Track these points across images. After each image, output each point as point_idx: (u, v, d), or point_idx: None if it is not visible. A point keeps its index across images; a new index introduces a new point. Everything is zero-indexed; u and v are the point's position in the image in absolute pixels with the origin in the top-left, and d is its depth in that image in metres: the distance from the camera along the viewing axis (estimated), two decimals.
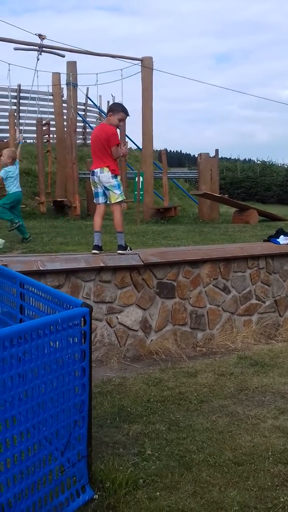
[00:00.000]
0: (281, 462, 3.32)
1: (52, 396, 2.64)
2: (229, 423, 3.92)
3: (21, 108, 17.62)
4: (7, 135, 13.71)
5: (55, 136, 14.25)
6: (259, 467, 3.26)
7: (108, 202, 6.07)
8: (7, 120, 13.79)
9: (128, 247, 6.03)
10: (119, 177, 6.06)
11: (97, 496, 2.87)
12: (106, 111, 6.31)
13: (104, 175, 5.89)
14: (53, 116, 14.47)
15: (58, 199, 13.18)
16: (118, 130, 6.18)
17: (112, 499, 2.86)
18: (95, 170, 5.95)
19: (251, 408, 4.21)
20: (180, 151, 55.06)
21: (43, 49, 11.10)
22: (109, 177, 5.89)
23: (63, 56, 11.75)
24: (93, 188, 6.13)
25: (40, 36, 10.86)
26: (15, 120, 14.99)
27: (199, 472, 3.19)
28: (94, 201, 6.18)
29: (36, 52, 11.07)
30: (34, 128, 14.13)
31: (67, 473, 2.76)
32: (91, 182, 6.14)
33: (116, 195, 5.96)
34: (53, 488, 2.65)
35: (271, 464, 3.30)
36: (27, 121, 14.69)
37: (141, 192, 11.85)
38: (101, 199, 6.04)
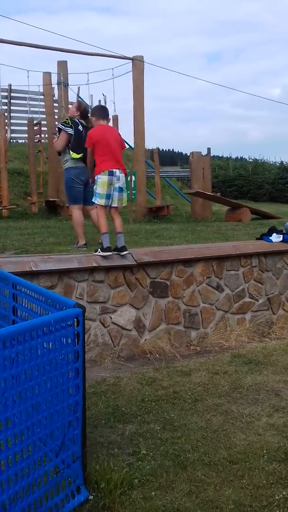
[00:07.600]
0: (275, 460, 3.33)
1: (46, 398, 2.63)
2: (223, 421, 3.92)
3: (12, 108, 17.57)
4: None
5: (46, 136, 14.20)
6: (254, 465, 3.27)
7: (118, 204, 5.80)
8: None
9: None
10: None
11: (92, 496, 2.86)
12: (106, 114, 6.10)
13: (122, 176, 5.77)
14: (44, 116, 14.42)
15: (50, 199, 13.14)
16: None
17: (107, 499, 2.85)
18: (115, 170, 5.69)
19: (245, 407, 4.21)
20: (172, 149, 54.97)
21: None
22: (124, 179, 5.83)
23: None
24: (105, 189, 5.69)
25: None
26: (6, 120, 14.93)
27: (194, 471, 3.20)
28: (103, 203, 5.73)
29: None
30: (25, 128, 14.09)
31: (62, 474, 2.75)
32: (105, 182, 5.67)
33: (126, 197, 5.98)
34: (48, 490, 2.64)
35: (266, 462, 3.31)
36: (18, 121, 14.62)
37: (134, 191, 11.85)
38: (111, 201, 5.74)
